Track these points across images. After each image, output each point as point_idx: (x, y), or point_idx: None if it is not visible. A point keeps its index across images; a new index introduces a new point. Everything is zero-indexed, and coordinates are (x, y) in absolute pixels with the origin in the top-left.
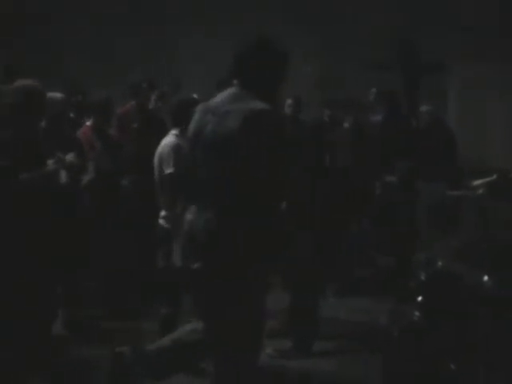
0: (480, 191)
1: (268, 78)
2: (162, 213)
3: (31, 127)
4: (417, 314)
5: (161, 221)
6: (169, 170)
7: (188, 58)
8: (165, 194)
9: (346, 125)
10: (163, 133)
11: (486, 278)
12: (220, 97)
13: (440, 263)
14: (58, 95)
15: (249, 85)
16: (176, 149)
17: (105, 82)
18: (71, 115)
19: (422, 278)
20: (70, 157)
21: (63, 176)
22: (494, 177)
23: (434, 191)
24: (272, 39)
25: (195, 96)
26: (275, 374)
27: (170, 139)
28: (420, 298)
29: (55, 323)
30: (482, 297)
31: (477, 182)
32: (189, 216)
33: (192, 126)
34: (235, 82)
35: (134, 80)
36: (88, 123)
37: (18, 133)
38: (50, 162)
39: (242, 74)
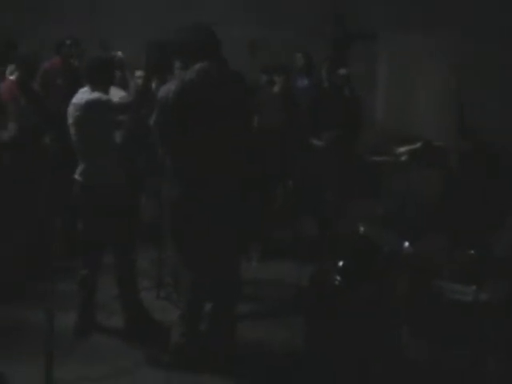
0: (404, 158)
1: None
2: (79, 168)
3: None
4: (338, 278)
5: (77, 176)
6: None
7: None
8: None
9: (275, 88)
10: None
11: (406, 244)
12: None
13: (362, 228)
14: None
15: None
16: None
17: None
18: None
19: (344, 242)
20: None
21: None
22: (419, 144)
23: None
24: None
25: (120, 54)
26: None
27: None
28: (341, 263)
29: None
30: (401, 263)
31: (401, 149)
32: None
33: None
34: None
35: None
36: (12, 77)
37: None
38: None
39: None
